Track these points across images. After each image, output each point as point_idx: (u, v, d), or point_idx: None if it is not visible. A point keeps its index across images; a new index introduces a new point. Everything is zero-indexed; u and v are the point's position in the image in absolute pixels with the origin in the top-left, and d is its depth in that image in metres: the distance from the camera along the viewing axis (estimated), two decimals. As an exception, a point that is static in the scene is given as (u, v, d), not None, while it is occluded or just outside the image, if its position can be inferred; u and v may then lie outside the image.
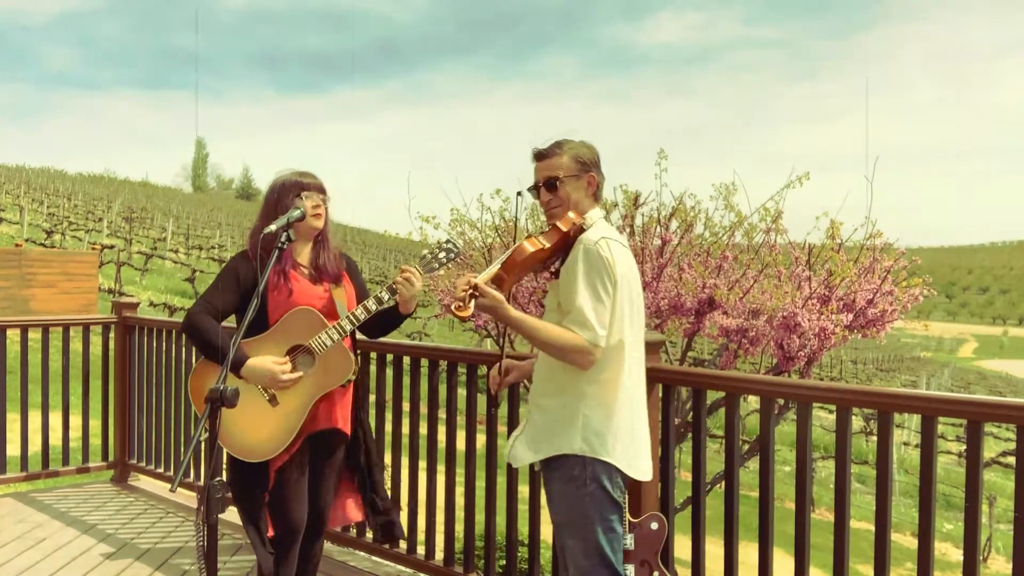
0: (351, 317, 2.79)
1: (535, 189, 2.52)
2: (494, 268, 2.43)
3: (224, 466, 3.00)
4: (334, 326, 2.78)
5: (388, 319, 2.97)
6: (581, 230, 2.43)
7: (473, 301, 2.35)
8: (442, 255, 2.89)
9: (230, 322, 2.88)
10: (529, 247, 2.41)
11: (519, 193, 2.59)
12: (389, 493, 3.87)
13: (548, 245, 2.42)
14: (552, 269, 2.52)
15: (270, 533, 2.94)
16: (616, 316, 2.35)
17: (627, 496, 2.51)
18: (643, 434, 2.49)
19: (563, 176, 2.44)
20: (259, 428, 2.80)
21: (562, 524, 2.45)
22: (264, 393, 2.80)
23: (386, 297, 2.80)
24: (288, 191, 2.85)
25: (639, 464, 2.46)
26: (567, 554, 2.46)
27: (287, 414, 2.80)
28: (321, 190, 2.91)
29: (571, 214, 2.45)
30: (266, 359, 2.75)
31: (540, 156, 2.50)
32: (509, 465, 3.37)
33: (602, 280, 2.32)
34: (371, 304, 2.80)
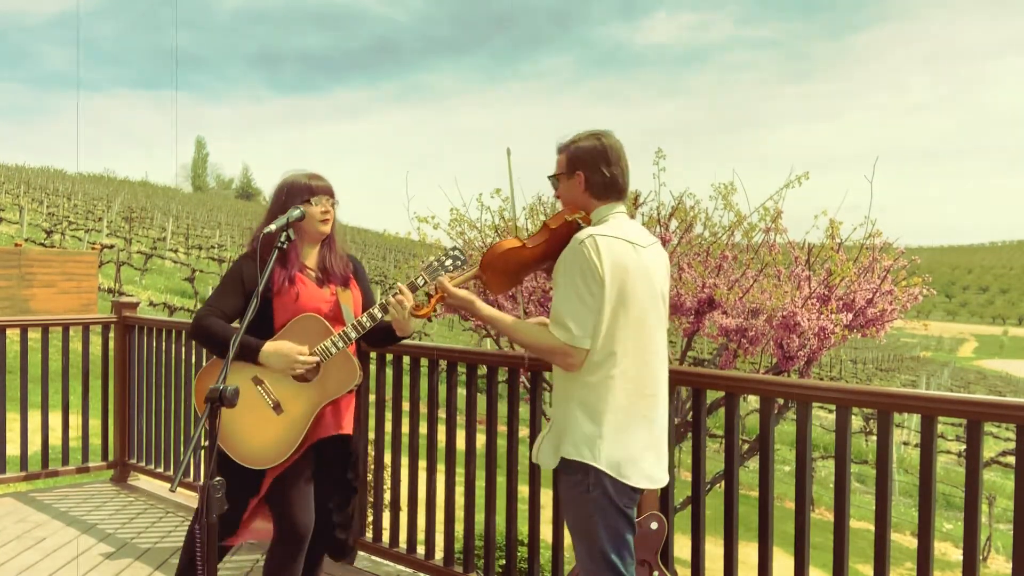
0: (356, 325, 2.78)
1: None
2: (472, 270, 2.47)
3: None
4: (339, 334, 2.76)
5: (385, 335, 2.96)
6: (578, 228, 2.39)
7: (434, 301, 2.41)
8: (448, 262, 2.85)
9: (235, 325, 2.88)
10: (504, 245, 2.42)
11: (508, 150, 2.62)
12: (388, 494, 3.88)
13: (528, 244, 2.41)
14: None
15: (233, 541, 2.93)
16: (604, 317, 2.27)
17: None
18: (641, 441, 2.35)
19: (558, 174, 2.47)
20: (263, 435, 2.78)
21: (570, 527, 2.45)
22: (268, 401, 2.79)
23: (379, 315, 2.79)
24: (298, 193, 2.83)
25: (636, 471, 2.33)
26: (576, 556, 2.45)
27: (292, 422, 2.78)
28: (330, 193, 2.90)
29: (562, 213, 2.44)
30: (282, 343, 2.74)
31: (557, 151, 2.51)
32: (509, 465, 3.39)
33: (584, 280, 2.26)
34: (365, 320, 2.78)
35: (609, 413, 2.31)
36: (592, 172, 2.41)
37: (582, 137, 2.44)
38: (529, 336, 2.35)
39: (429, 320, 2.48)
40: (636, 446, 2.35)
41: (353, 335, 2.77)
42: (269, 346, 2.73)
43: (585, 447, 2.31)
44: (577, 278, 2.27)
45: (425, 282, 2.81)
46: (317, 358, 2.76)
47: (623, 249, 2.33)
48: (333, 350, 2.76)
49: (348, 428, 2.92)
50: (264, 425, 2.78)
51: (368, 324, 2.78)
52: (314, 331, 2.78)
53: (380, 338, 2.98)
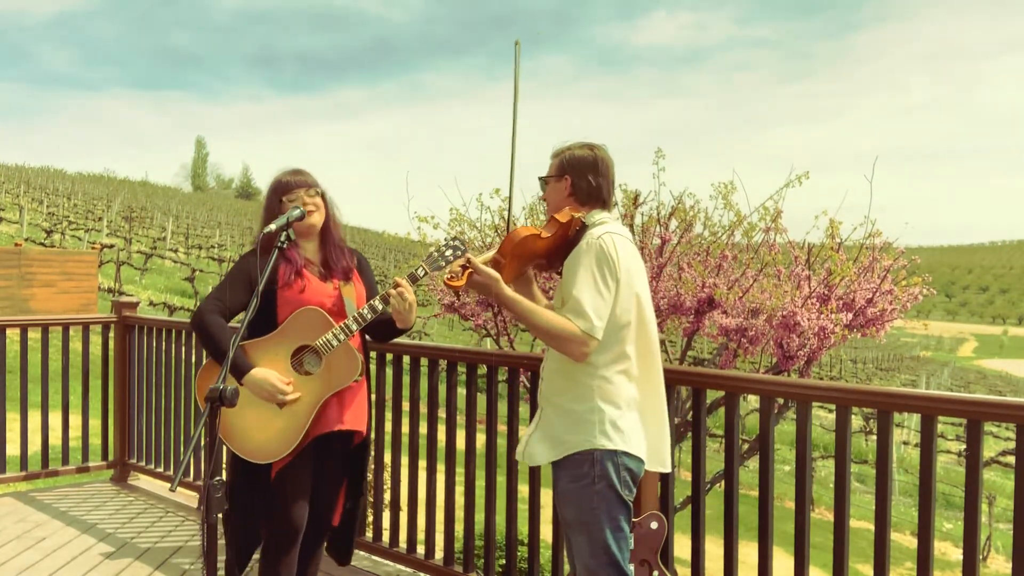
0: (358, 317, 2.78)
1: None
2: (490, 252, 2.50)
3: (223, 466, 2.99)
4: (340, 326, 2.77)
5: (387, 328, 2.96)
6: (584, 227, 2.47)
7: (467, 275, 2.40)
8: (448, 252, 2.86)
9: (238, 320, 2.87)
10: (523, 231, 2.46)
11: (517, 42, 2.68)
12: (388, 493, 3.88)
13: (545, 234, 2.46)
14: (558, 270, 2.54)
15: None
16: (621, 310, 2.37)
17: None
18: (662, 427, 2.52)
19: (547, 177, 2.58)
20: (266, 429, 2.78)
21: (570, 522, 2.45)
22: None
23: (380, 307, 2.80)
24: (275, 193, 2.87)
25: (662, 456, 2.51)
26: (574, 552, 2.45)
27: (295, 415, 2.78)
28: (307, 185, 2.88)
29: (567, 209, 2.50)
30: (270, 373, 2.74)
31: (551, 156, 2.61)
32: (509, 464, 3.39)
33: (603, 273, 2.35)
34: (366, 311, 2.79)
35: (635, 402, 2.44)
36: (579, 178, 2.52)
37: (576, 146, 2.56)
38: (547, 322, 2.36)
39: (457, 296, 2.49)
40: (658, 434, 2.51)
41: (355, 327, 2.77)
42: (256, 372, 2.73)
43: (614, 434, 2.38)
44: (596, 271, 2.35)
45: (425, 272, 2.82)
46: (299, 394, 2.77)
47: (633, 250, 2.47)
48: (335, 342, 2.76)
49: (352, 424, 2.91)
50: (268, 419, 2.79)
51: (369, 316, 2.79)
52: (316, 324, 2.79)
53: (381, 331, 2.99)
